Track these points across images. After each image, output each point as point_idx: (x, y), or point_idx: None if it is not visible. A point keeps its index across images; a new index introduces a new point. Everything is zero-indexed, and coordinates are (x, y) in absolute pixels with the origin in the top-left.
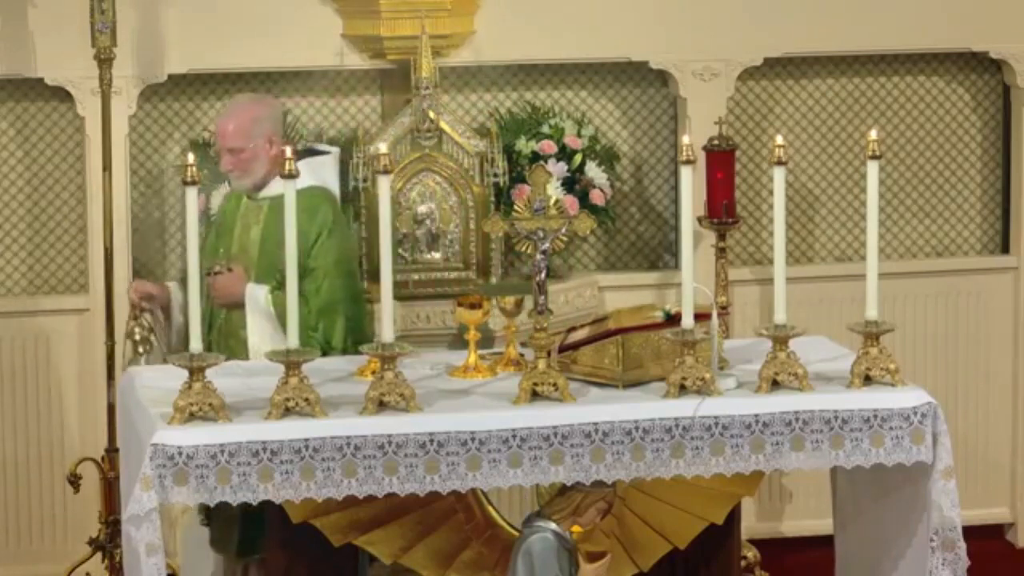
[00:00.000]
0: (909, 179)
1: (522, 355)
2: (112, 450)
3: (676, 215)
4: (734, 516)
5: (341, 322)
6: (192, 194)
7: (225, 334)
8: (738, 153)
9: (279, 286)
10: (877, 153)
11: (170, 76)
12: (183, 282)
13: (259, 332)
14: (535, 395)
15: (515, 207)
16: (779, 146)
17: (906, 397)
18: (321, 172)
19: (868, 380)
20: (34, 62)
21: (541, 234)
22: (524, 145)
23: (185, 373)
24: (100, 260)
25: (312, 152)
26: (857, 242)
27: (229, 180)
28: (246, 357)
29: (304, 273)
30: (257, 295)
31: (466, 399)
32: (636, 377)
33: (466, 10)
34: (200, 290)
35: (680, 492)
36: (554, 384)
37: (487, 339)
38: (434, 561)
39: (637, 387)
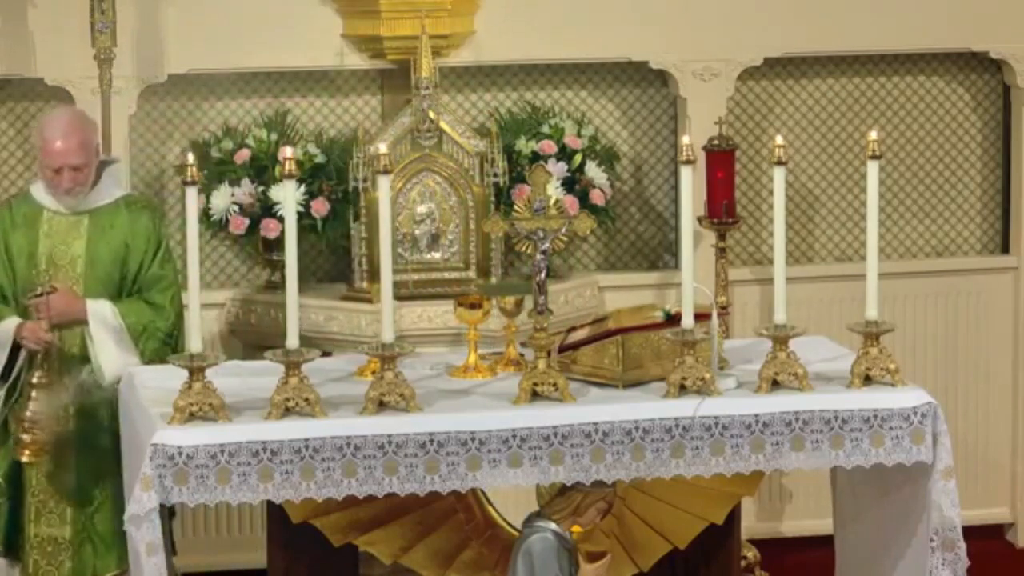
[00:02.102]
0: (909, 179)
1: (522, 355)
2: None
3: (676, 215)
4: (734, 516)
5: (183, 329)
6: (192, 194)
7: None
8: (738, 153)
9: (113, 300)
10: (877, 153)
11: (170, 76)
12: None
13: (106, 348)
14: (535, 395)
15: (515, 207)
16: (779, 146)
17: (906, 397)
18: (121, 181)
19: (868, 380)
20: (34, 62)
21: (541, 234)
22: (524, 145)
23: (185, 373)
24: None
25: (104, 163)
26: (857, 242)
27: (58, 199)
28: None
29: (153, 280)
30: (102, 311)
31: (466, 399)
32: (636, 377)
33: (466, 10)
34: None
35: (680, 492)
36: (554, 384)
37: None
38: (434, 561)
39: (637, 387)
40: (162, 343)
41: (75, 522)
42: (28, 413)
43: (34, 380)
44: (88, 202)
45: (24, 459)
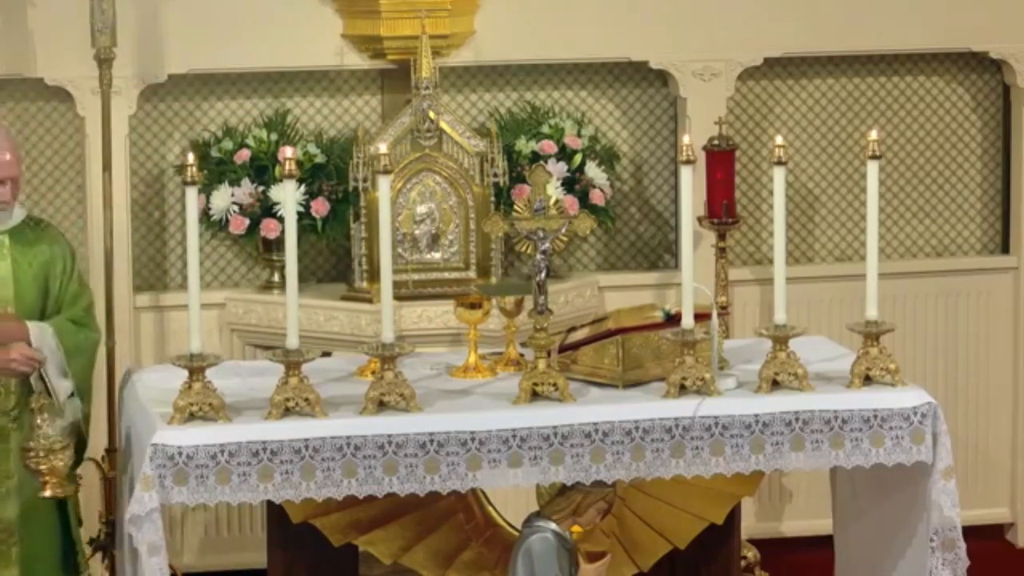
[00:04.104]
0: (909, 179)
1: (522, 355)
2: (112, 450)
3: (676, 215)
4: (734, 516)
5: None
6: (192, 194)
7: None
8: (738, 153)
9: (42, 319)
10: (877, 153)
11: (170, 76)
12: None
13: (52, 372)
14: (535, 395)
15: (515, 207)
16: (779, 146)
17: (906, 397)
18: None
19: (868, 380)
20: (34, 62)
21: (541, 234)
22: (524, 145)
23: (185, 373)
24: (100, 260)
25: None
26: (857, 242)
27: None
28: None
29: (72, 298)
30: (43, 334)
31: (466, 399)
32: (636, 377)
33: (466, 10)
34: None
35: (680, 492)
36: (554, 384)
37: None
38: (434, 561)
39: (637, 387)
40: (89, 359)
41: (20, 561)
42: (43, 441)
43: (35, 404)
44: (6, 221)
45: (49, 494)
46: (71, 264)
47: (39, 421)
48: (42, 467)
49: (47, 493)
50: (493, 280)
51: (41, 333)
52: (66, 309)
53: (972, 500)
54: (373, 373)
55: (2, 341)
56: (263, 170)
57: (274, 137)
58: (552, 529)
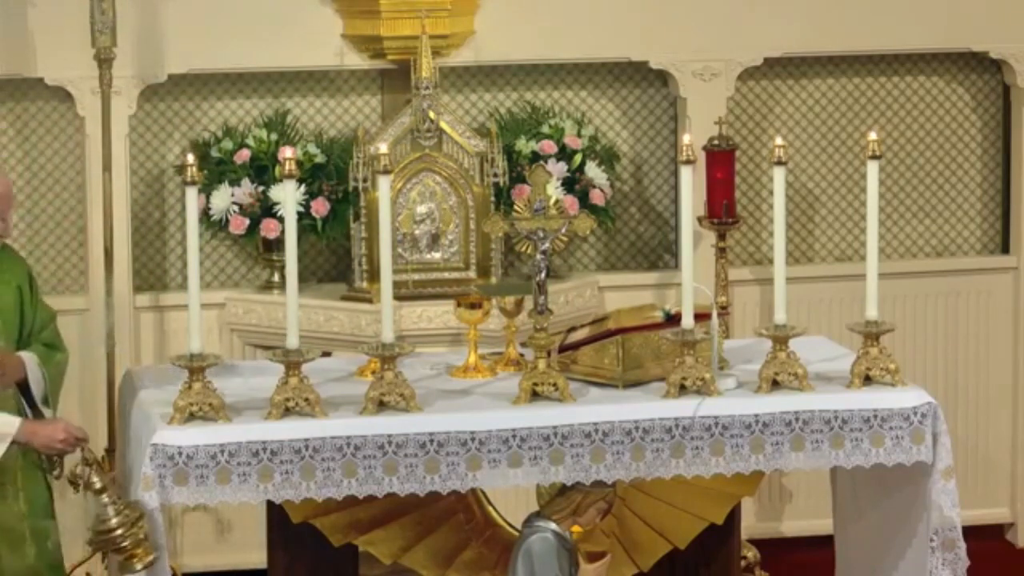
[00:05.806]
0: (909, 179)
1: (522, 355)
2: (112, 450)
3: (676, 215)
4: (734, 516)
5: None
6: (192, 194)
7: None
8: (738, 153)
9: (24, 347)
10: (877, 153)
11: (170, 76)
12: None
13: (41, 405)
14: (535, 395)
15: (515, 207)
16: (779, 146)
17: (906, 397)
18: None
19: (868, 380)
20: (34, 62)
21: (541, 234)
22: (524, 145)
23: (185, 373)
24: (100, 260)
25: None
26: (857, 242)
27: None
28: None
29: (43, 321)
30: (31, 364)
31: (466, 399)
32: (636, 377)
33: (466, 10)
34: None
35: (680, 492)
36: (554, 384)
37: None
38: (434, 561)
39: (637, 387)
40: (62, 382)
41: None
42: (123, 518)
43: (97, 486)
44: None
45: (141, 567)
46: (35, 284)
47: (110, 499)
48: (128, 543)
49: (139, 567)
50: (493, 280)
51: (33, 366)
52: (37, 332)
53: (972, 500)
54: (373, 373)
55: (9, 376)
56: (263, 170)
57: (274, 137)
58: (552, 529)
